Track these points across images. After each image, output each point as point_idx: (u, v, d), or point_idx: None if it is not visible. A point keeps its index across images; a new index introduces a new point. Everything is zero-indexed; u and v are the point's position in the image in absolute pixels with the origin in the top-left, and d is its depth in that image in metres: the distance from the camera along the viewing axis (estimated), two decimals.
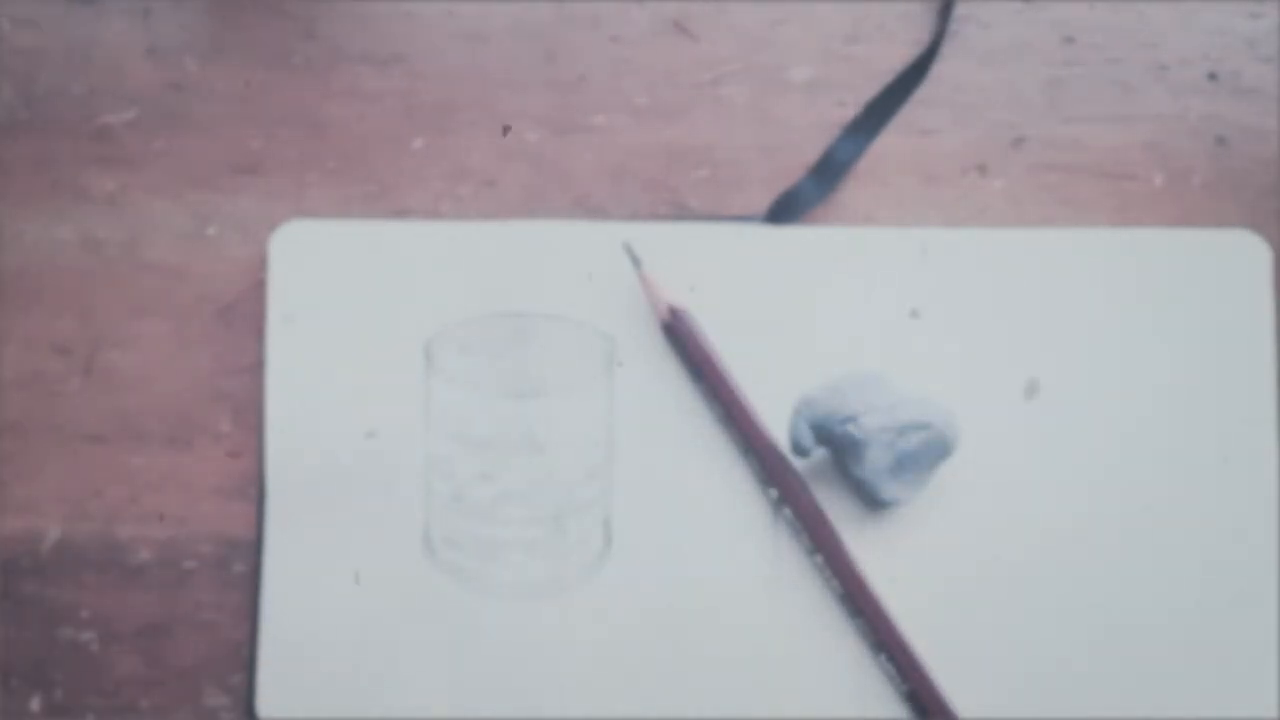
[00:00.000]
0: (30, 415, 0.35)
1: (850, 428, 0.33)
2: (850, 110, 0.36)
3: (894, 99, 0.36)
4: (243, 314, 0.35)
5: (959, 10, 0.37)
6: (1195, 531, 0.34)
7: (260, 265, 0.35)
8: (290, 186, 0.36)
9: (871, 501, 0.34)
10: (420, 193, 0.36)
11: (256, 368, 0.35)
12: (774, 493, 0.34)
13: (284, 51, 0.36)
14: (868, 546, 0.34)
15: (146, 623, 0.34)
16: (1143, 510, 0.34)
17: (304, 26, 0.37)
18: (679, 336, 0.34)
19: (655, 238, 0.35)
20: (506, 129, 0.34)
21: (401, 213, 0.36)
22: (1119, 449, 0.34)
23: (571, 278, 0.35)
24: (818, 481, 0.34)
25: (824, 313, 0.35)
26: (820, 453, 0.34)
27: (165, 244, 0.36)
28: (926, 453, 0.33)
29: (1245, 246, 0.35)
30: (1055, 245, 0.35)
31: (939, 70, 0.37)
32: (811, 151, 0.36)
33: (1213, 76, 0.37)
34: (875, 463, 0.33)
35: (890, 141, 0.36)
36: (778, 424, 0.34)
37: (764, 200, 0.36)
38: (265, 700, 0.33)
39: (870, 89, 0.37)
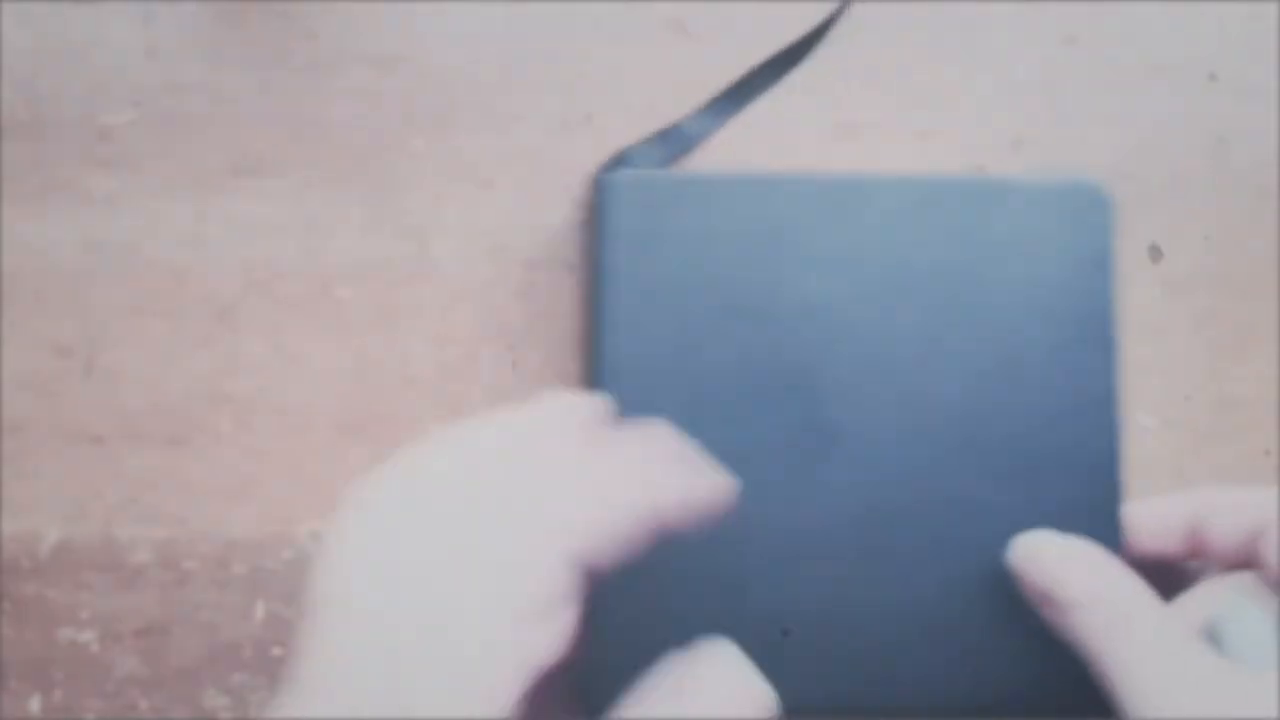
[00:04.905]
0: (30, 415, 0.35)
1: None
2: (848, 111, 0.36)
3: (758, 82, 0.36)
4: (243, 314, 0.35)
5: (959, 10, 0.37)
6: None
7: (259, 266, 0.35)
8: (290, 186, 0.36)
9: None
10: (420, 193, 0.36)
11: (257, 368, 0.35)
12: None
13: (284, 51, 0.36)
14: None
15: (146, 623, 0.34)
16: None
17: (304, 26, 0.37)
18: None
19: None
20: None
21: (403, 212, 0.36)
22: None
23: None
24: None
25: None
26: None
27: (165, 244, 0.36)
28: None
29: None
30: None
31: (939, 70, 0.37)
32: (811, 152, 0.36)
33: (1213, 77, 0.37)
34: None
35: (888, 141, 0.36)
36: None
37: None
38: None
39: (872, 90, 0.37)
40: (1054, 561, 0.29)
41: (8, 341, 0.35)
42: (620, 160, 0.35)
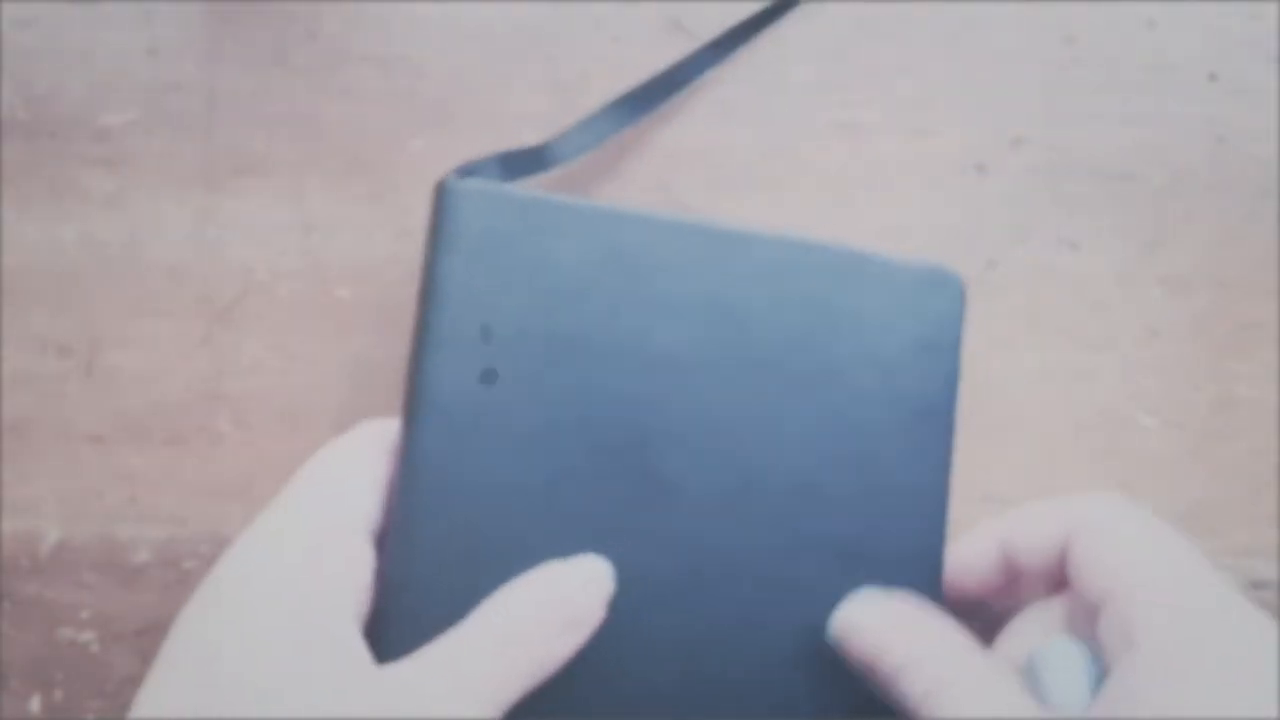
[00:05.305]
0: (30, 415, 0.35)
1: None
2: (851, 111, 0.36)
3: (630, 107, 0.35)
4: (243, 314, 0.35)
5: (959, 10, 0.37)
6: None
7: (259, 266, 0.35)
8: (290, 186, 0.36)
9: None
10: (420, 193, 0.36)
11: (256, 368, 0.35)
12: None
13: (284, 51, 0.36)
14: None
15: (146, 623, 0.34)
16: None
17: (304, 26, 0.37)
18: None
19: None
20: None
21: (403, 212, 0.36)
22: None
23: None
24: None
25: None
26: None
27: (165, 244, 0.36)
28: None
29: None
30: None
31: (939, 70, 0.37)
32: (810, 152, 0.36)
33: (1213, 77, 0.37)
34: None
35: (888, 141, 0.36)
36: None
37: (764, 201, 0.36)
38: None
39: (872, 90, 0.37)
40: (873, 632, 0.29)
41: (8, 341, 0.35)
42: (468, 171, 0.33)
